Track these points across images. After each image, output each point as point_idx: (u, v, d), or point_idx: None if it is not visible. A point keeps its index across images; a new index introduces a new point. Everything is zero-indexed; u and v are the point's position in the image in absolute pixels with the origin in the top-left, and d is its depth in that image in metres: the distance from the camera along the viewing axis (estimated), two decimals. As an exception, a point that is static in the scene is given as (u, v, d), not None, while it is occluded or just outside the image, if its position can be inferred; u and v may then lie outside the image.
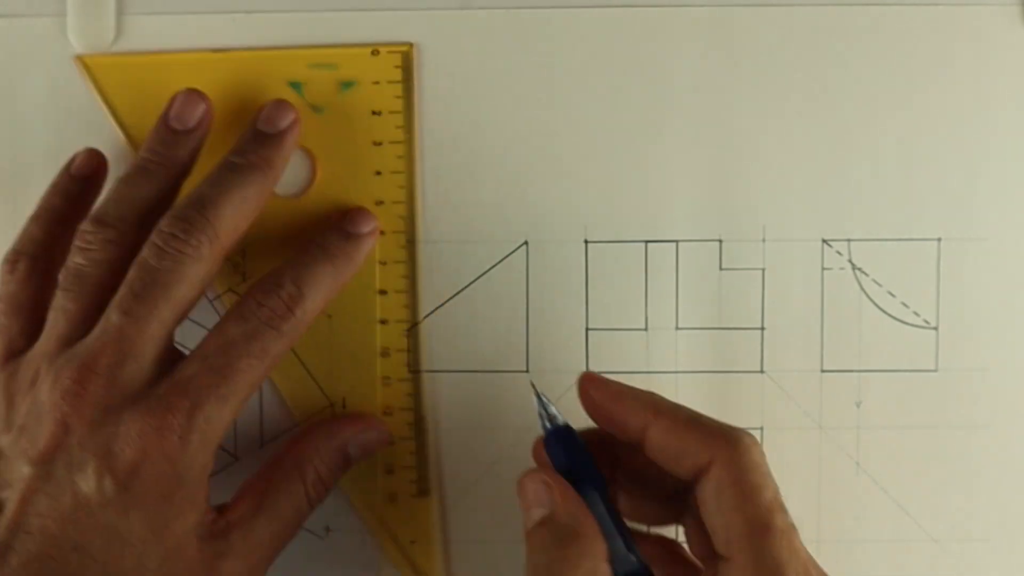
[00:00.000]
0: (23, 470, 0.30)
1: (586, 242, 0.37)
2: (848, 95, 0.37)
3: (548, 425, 0.32)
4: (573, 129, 0.36)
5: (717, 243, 0.37)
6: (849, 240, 0.37)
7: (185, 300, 0.31)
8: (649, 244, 0.37)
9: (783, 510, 0.29)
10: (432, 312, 0.37)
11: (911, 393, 0.37)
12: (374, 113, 0.36)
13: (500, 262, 0.37)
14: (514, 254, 0.37)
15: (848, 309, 0.37)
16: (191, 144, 0.34)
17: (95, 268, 0.32)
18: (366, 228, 0.35)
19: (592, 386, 0.32)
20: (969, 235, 0.37)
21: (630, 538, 0.30)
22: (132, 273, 0.31)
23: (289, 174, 0.35)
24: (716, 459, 0.29)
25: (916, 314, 0.37)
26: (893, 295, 0.37)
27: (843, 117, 0.37)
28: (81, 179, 0.35)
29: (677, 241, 0.37)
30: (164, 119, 0.35)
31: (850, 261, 0.37)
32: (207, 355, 0.31)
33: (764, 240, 0.37)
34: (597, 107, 0.36)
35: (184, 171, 0.34)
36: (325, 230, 0.35)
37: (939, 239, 0.37)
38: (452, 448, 0.37)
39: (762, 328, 0.37)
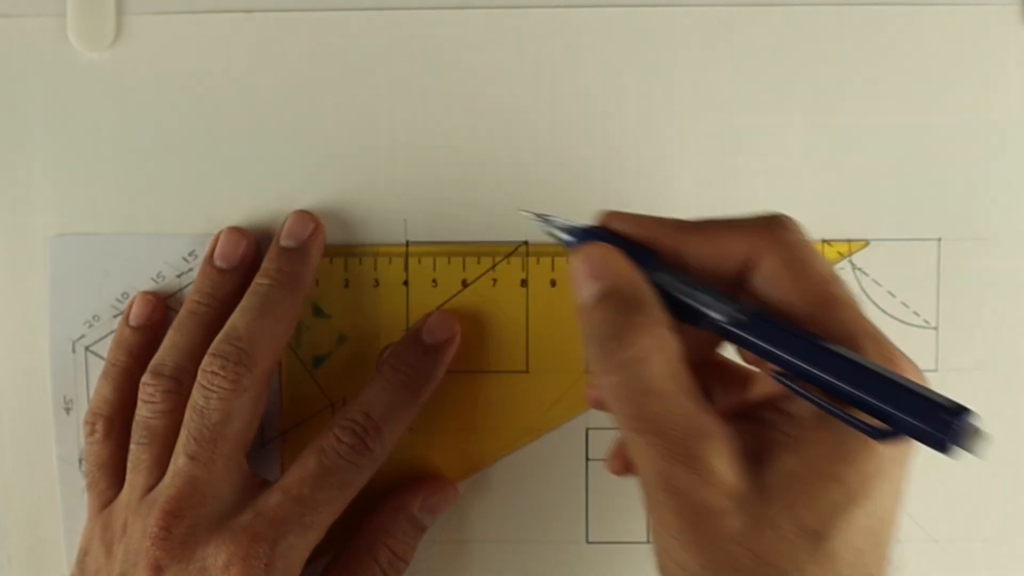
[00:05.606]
0: None
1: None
2: (848, 95, 0.37)
3: (567, 236, 0.30)
4: (572, 130, 0.36)
5: (717, 243, 0.37)
6: (849, 240, 0.37)
7: (241, 430, 0.33)
8: (649, 244, 0.37)
9: (840, 281, 0.28)
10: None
11: (911, 393, 0.37)
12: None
13: (501, 261, 0.37)
14: (514, 254, 0.37)
15: (848, 309, 0.37)
16: (236, 281, 0.35)
17: (161, 418, 0.34)
18: (444, 336, 0.36)
19: (616, 221, 0.30)
20: (969, 235, 0.37)
21: (715, 291, 0.28)
22: (187, 416, 0.33)
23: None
24: (760, 247, 0.28)
25: (916, 314, 0.37)
26: (893, 295, 0.37)
27: (843, 117, 0.37)
28: (139, 329, 0.36)
29: (677, 241, 0.37)
30: (208, 260, 0.36)
31: (850, 261, 0.37)
32: (289, 487, 0.32)
33: (764, 240, 0.37)
34: (596, 108, 0.36)
35: (233, 307, 0.35)
36: (401, 344, 0.35)
37: (939, 239, 0.37)
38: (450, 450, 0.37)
39: (762, 328, 0.37)
